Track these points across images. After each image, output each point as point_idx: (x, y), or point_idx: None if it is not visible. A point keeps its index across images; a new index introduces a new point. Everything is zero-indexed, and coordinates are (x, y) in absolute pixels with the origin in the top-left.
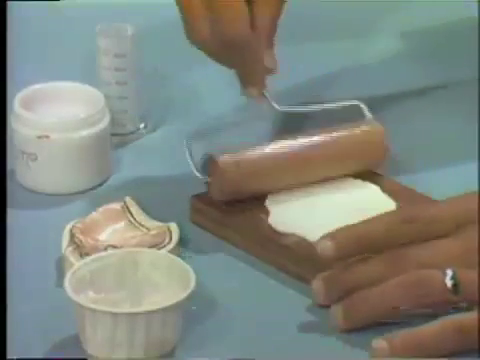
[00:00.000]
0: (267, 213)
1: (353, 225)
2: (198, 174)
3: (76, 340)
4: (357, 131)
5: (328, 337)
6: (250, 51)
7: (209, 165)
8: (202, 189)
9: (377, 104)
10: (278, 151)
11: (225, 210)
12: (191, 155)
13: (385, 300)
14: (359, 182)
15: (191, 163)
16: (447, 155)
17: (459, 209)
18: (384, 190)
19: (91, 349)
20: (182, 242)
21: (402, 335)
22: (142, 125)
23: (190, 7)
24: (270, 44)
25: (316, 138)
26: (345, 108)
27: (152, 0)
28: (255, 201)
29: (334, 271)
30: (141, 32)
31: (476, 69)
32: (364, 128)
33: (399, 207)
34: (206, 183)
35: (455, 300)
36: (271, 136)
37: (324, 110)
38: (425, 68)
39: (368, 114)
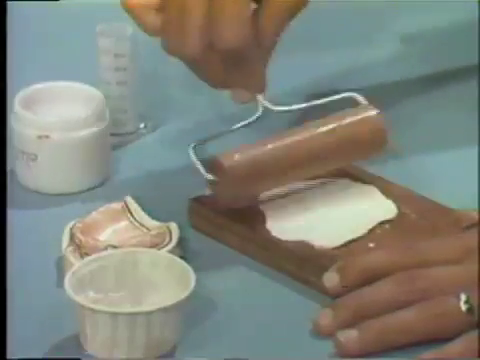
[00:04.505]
0: (264, 218)
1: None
2: (209, 176)
3: (76, 340)
4: (356, 117)
5: (328, 338)
6: (248, 59)
7: (214, 167)
8: (201, 191)
9: (377, 96)
10: (281, 147)
11: (223, 213)
12: (198, 159)
13: (404, 328)
14: (358, 184)
15: (200, 167)
16: (447, 142)
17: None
18: (383, 193)
19: (91, 349)
20: (182, 242)
21: (430, 355)
22: (142, 125)
23: (189, 20)
24: (268, 56)
25: (316, 130)
26: (341, 102)
27: None
28: (253, 205)
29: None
30: (141, 32)
31: (476, 59)
32: (362, 114)
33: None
34: (212, 184)
35: (470, 323)
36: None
37: (322, 106)
38: (425, 64)
39: (364, 102)
